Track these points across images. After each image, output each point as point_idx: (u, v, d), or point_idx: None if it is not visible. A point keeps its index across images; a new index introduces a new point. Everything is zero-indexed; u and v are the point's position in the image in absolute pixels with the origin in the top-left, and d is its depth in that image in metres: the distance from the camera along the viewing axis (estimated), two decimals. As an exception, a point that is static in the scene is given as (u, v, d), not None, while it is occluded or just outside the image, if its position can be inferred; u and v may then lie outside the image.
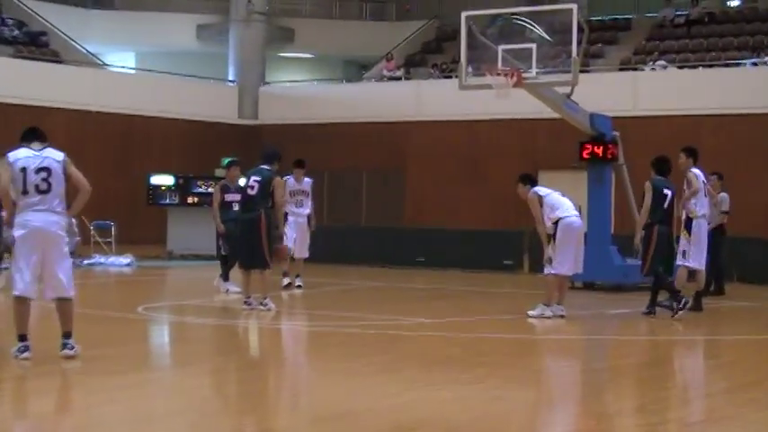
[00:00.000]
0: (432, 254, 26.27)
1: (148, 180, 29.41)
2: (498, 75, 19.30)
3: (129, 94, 34.91)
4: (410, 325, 15.08)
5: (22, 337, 11.10)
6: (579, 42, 19.96)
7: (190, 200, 28.81)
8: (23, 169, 10.97)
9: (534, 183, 16.17)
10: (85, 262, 25.72)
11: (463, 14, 20.42)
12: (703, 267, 16.97)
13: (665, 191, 16.41)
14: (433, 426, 8.52)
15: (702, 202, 16.86)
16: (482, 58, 20.20)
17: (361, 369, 11.13)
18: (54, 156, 11.14)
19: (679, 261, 16.85)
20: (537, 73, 19.62)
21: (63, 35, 36.61)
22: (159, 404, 9.48)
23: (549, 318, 15.60)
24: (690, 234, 16.72)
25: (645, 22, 37.49)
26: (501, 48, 19.78)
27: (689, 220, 16.75)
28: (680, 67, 32.70)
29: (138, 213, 32.09)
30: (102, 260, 26.29)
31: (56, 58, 35.39)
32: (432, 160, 34.12)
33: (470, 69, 20.24)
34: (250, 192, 16.31)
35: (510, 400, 9.78)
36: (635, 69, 33.15)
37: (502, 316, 16.63)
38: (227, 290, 18.73)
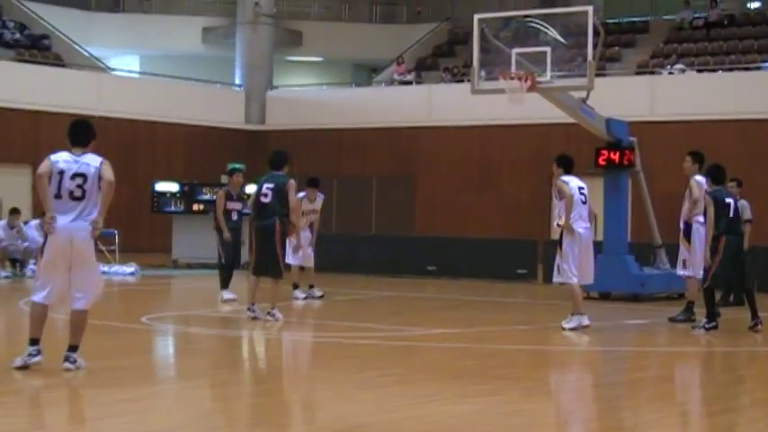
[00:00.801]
0: (443, 263, 25.99)
1: (153, 187, 29.28)
2: (512, 79, 19.15)
3: (134, 99, 34.77)
4: (423, 336, 15.10)
5: (33, 341, 10.95)
6: (595, 45, 19.78)
7: (195, 207, 28.61)
8: (61, 172, 10.75)
9: (569, 168, 15.79)
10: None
11: (476, 17, 20.22)
12: (699, 276, 16.70)
13: (727, 200, 15.87)
14: None
15: (702, 210, 16.44)
16: (495, 62, 20.08)
17: (373, 381, 11.00)
18: (92, 161, 10.84)
19: (680, 271, 16.84)
20: (551, 77, 19.41)
21: (66, 38, 36.53)
22: (164, 418, 9.30)
23: (586, 326, 15.38)
24: (689, 242, 16.59)
25: (663, 25, 37.25)
26: (514, 51, 19.59)
27: (688, 228, 16.61)
28: (699, 71, 32.42)
29: (142, 221, 32.02)
30: (106, 269, 26.05)
31: (58, 61, 35.22)
32: (443, 166, 33.97)
33: (483, 73, 20.13)
34: (264, 200, 16.07)
35: (527, 414, 9.68)
36: (652, 73, 32.92)
37: (517, 327, 16.59)
38: (223, 298, 18.66)
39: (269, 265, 15.95)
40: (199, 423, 9.02)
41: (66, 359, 10.89)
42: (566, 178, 15.66)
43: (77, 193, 10.72)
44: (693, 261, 16.55)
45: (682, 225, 16.72)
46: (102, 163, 10.81)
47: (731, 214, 15.78)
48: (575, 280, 15.52)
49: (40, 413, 9.12)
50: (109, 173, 10.78)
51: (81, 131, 11.02)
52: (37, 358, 10.84)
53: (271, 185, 16.06)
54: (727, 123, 29.60)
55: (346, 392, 10.11)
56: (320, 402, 9.82)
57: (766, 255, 22.98)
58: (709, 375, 12.89)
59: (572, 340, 15.00)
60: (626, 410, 10.07)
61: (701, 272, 16.44)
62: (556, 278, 15.79)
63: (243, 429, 8.99)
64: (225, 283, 18.84)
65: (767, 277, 22.38)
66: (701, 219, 16.37)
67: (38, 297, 10.96)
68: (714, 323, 15.53)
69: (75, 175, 10.72)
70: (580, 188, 15.64)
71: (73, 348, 11.00)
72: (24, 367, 10.72)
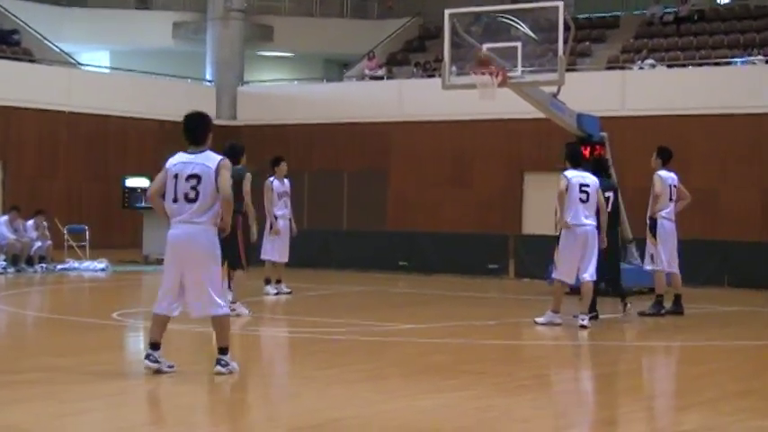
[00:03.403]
0: (415, 258, 25.95)
1: (123, 183, 29.21)
2: (483, 74, 19.09)
3: (104, 94, 34.53)
4: (394, 331, 15.05)
5: (153, 345, 10.62)
6: (566, 41, 19.83)
7: (166, 203, 28.31)
8: (176, 176, 10.33)
9: (576, 162, 15.62)
10: (59, 267, 25.59)
11: (447, 12, 20.23)
12: (675, 270, 17.01)
13: (606, 194, 16.06)
14: None
15: (667, 205, 16.83)
16: (466, 57, 20.08)
17: (343, 377, 10.94)
18: (207, 161, 10.38)
19: (648, 266, 17.05)
20: (522, 72, 19.47)
21: (36, 33, 36.26)
22: (135, 414, 9.30)
23: (558, 324, 15.37)
24: (655, 237, 16.81)
25: (633, 20, 37.30)
26: (485, 46, 19.57)
27: (653, 223, 16.81)
28: (669, 66, 32.46)
29: (112, 217, 31.92)
30: (77, 265, 26.20)
31: (28, 57, 34.92)
32: (415, 162, 33.96)
33: (454, 68, 20.17)
34: None
35: (497, 409, 9.64)
36: (623, 68, 32.91)
37: (488, 321, 16.44)
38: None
39: (229, 257, 15.65)
40: (170, 418, 9.00)
41: (218, 362, 10.50)
42: (568, 173, 15.36)
43: (191, 195, 10.29)
44: (659, 255, 16.74)
45: (648, 221, 16.91)
46: (220, 164, 10.32)
47: (609, 208, 16.04)
48: (571, 280, 15.48)
49: (10, 410, 9.01)
50: (226, 186, 10.28)
51: (194, 127, 10.59)
52: (153, 364, 10.52)
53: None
54: (698, 118, 29.63)
55: (318, 387, 10.06)
56: (292, 397, 9.77)
57: (737, 249, 23.12)
58: (679, 369, 12.91)
59: (543, 335, 15.00)
60: (596, 405, 10.07)
61: (667, 265, 16.76)
62: (554, 274, 15.70)
63: (215, 424, 8.94)
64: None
65: (737, 271, 22.52)
66: (664, 213, 16.69)
67: (157, 310, 10.60)
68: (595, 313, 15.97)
69: (189, 177, 10.28)
70: (582, 185, 15.30)
71: (222, 350, 10.55)
72: (159, 371, 10.52)
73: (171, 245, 10.42)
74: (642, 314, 16.77)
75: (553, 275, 15.80)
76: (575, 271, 15.42)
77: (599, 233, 15.44)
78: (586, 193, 15.31)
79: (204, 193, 10.28)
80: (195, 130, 10.54)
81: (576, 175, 15.34)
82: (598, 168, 16.81)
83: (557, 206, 15.53)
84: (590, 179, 15.44)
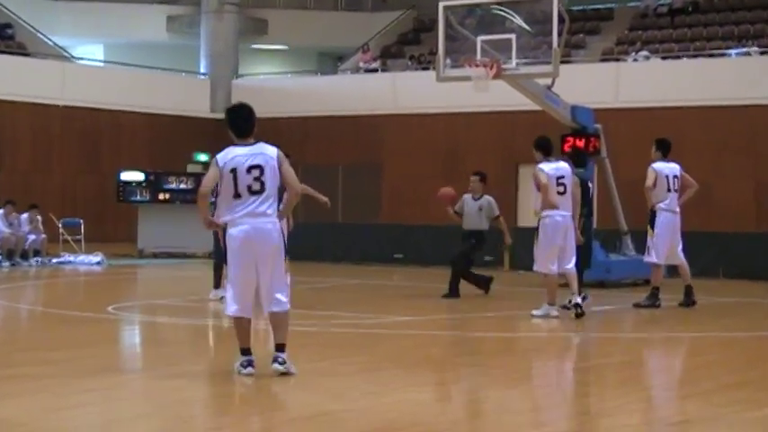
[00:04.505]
0: (410, 250, 26.02)
1: (118, 176, 29.23)
2: (477, 66, 19.21)
3: (98, 88, 34.48)
4: (389, 323, 15.06)
5: (245, 351, 10.22)
6: (560, 33, 19.77)
7: (161, 196, 28.57)
8: (233, 170, 9.87)
9: (547, 151, 15.66)
10: (54, 260, 25.60)
11: (441, 4, 20.22)
12: (677, 261, 17.08)
13: (590, 183, 16.88)
14: (411, 427, 8.37)
15: (665, 196, 16.79)
16: (460, 50, 20.20)
17: (338, 369, 10.94)
18: (266, 150, 9.99)
19: (646, 258, 17.09)
20: (517, 64, 19.49)
21: (29, 27, 36.16)
22: (130, 407, 9.25)
23: (555, 317, 15.37)
24: (653, 229, 16.86)
25: (627, 12, 37.27)
26: (480, 38, 19.64)
27: (653, 215, 16.85)
28: (663, 58, 32.44)
29: (107, 211, 31.91)
30: (72, 258, 26.30)
31: (22, 50, 34.84)
32: (409, 154, 33.93)
33: (448, 61, 20.21)
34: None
35: (492, 401, 9.67)
36: (617, 60, 32.89)
37: (482, 314, 16.57)
38: (222, 297, 17.82)
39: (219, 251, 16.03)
40: (164, 412, 8.95)
41: (275, 360, 10.08)
42: (542, 165, 15.46)
43: (256, 186, 9.87)
44: (655, 247, 16.79)
45: (649, 212, 16.93)
46: (280, 156, 9.96)
47: (589, 196, 16.45)
48: (553, 269, 15.51)
49: (5, 403, 9.00)
50: (295, 178, 10.02)
51: (244, 118, 10.13)
52: (249, 369, 10.09)
53: None
54: (692, 110, 29.60)
55: (311, 380, 10.04)
56: (285, 390, 9.75)
57: (733, 240, 23.16)
58: (674, 360, 12.91)
59: (538, 327, 15.01)
60: (591, 396, 10.07)
61: (665, 258, 16.78)
62: (534, 267, 15.74)
63: (208, 418, 8.92)
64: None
65: (733, 263, 22.57)
66: (663, 205, 16.71)
67: (232, 312, 10.19)
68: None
69: (250, 168, 9.87)
70: (558, 177, 15.40)
71: (280, 347, 10.15)
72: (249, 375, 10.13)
73: (241, 241, 9.94)
74: (637, 305, 16.80)
75: (534, 268, 15.75)
76: (554, 262, 15.48)
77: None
78: (563, 185, 15.46)
79: (269, 184, 9.90)
80: (246, 122, 10.09)
81: (551, 168, 15.46)
82: (576, 160, 16.99)
83: (537, 197, 15.56)
84: (564, 169, 15.57)
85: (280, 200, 10.25)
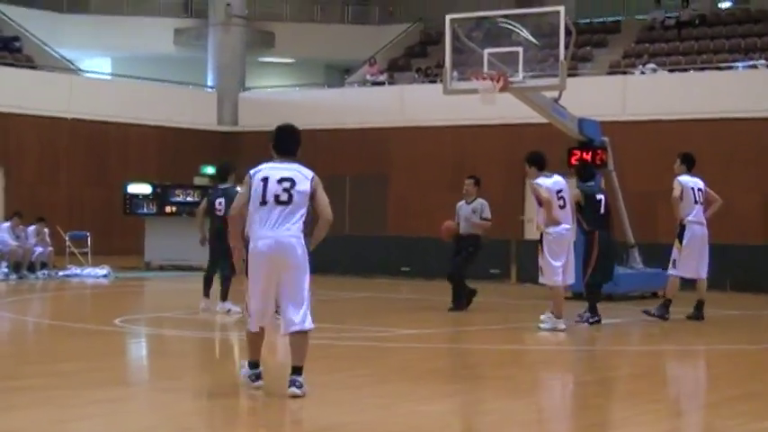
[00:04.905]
0: (417, 263, 25.92)
1: (125, 189, 29.13)
2: (484, 79, 19.13)
3: (105, 101, 34.51)
4: (396, 336, 15.08)
5: (253, 364, 10.08)
6: (567, 46, 19.80)
7: (168, 209, 28.50)
8: (265, 179, 9.79)
9: (541, 165, 15.80)
10: (61, 273, 25.59)
11: (448, 17, 20.21)
12: (701, 276, 17.00)
13: (598, 196, 16.47)
14: None
15: (692, 209, 16.71)
16: (467, 62, 20.07)
17: (346, 382, 11.00)
18: (302, 170, 9.87)
19: (670, 271, 16.94)
20: (524, 77, 19.37)
21: (37, 40, 36.18)
22: (136, 419, 9.27)
23: (562, 330, 15.38)
24: (681, 243, 16.71)
25: (634, 25, 37.28)
26: (487, 51, 19.55)
27: (682, 229, 16.75)
28: (670, 71, 32.42)
29: (114, 223, 31.84)
30: (78, 271, 26.23)
31: (29, 63, 34.87)
32: (416, 167, 33.91)
33: (455, 74, 20.10)
34: (219, 214, 17.01)
35: (498, 413, 9.68)
36: (624, 73, 32.91)
37: (489, 326, 16.60)
38: (229, 309, 17.77)
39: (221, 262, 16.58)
40: (172, 424, 8.96)
41: (292, 383, 9.72)
42: (540, 181, 15.60)
43: (284, 197, 9.70)
44: (682, 261, 16.71)
45: (678, 226, 16.84)
46: (315, 181, 9.79)
47: (601, 210, 16.29)
48: (559, 281, 15.56)
49: (12, 416, 9.00)
50: (326, 204, 9.79)
51: (288, 138, 10.12)
52: (258, 382, 10.00)
53: (221, 200, 16.93)
54: (699, 123, 29.54)
55: (319, 393, 10.03)
56: (294, 403, 9.73)
57: (739, 253, 23.10)
58: (679, 373, 12.90)
59: (545, 340, 15.01)
60: (597, 408, 10.06)
61: (694, 272, 16.81)
62: (540, 279, 15.83)
63: (215, 431, 8.92)
64: (227, 295, 17.84)
65: (739, 275, 22.51)
66: (691, 217, 16.67)
67: (251, 327, 10.00)
68: (597, 317, 16.11)
69: (282, 180, 9.74)
70: (558, 191, 15.57)
71: (297, 370, 9.78)
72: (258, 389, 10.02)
73: (262, 255, 9.74)
74: (647, 312, 16.79)
75: (540, 280, 15.86)
76: (560, 274, 15.58)
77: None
78: (563, 198, 15.62)
79: (296, 198, 9.72)
80: (288, 141, 10.07)
81: (550, 183, 15.63)
82: (583, 174, 16.99)
83: (539, 212, 15.69)
84: (562, 183, 15.75)
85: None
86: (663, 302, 16.85)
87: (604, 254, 16.27)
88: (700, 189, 16.93)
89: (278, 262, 9.72)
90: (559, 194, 15.56)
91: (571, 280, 15.97)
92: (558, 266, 15.51)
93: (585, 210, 16.20)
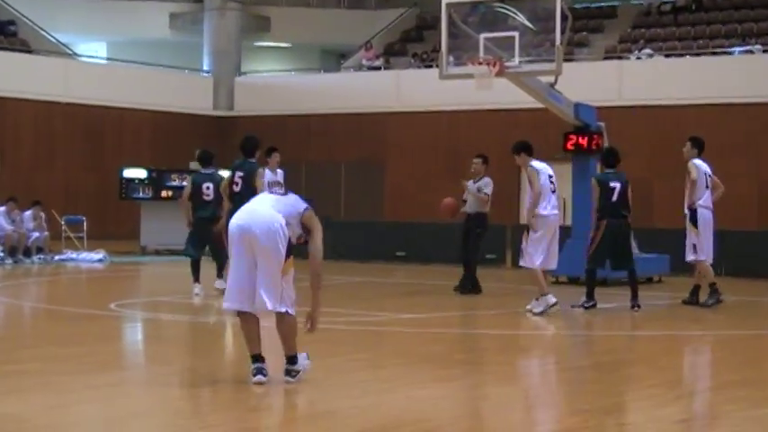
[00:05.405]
0: (412, 248, 25.96)
1: (121, 173, 29.17)
2: (480, 64, 19.13)
3: (101, 85, 34.48)
4: (391, 321, 15.14)
5: (255, 358, 9.67)
6: (563, 30, 19.71)
7: (163, 194, 28.54)
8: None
9: (531, 152, 16.02)
10: (57, 258, 25.60)
11: (444, 2, 20.15)
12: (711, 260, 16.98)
13: (612, 184, 16.35)
14: (415, 424, 8.42)
15: (703, 193, 16.73)
16: (463, 47, 20.12)
17: (340, 366, 10.98)
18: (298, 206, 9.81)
19: (690, 257, 16.86)
20: (520, 62, 19.45)
21: (32, 24, 36.11)
22: (132, 404, 9.27)
23: (555, 304, 15.44)
24: (696, 227, 16.66)
25: (630, 10, 37.24)
26: (483, 36, 19.58)
27: (693, 213, 16.70)
28: (666, 56, 32.43)
29: (110, 208, 31.89)
30: (74, 256, 26.26)
31: (25, 47, 34.79)
32: (412, 152, 33.92)
33: (451, 58, 20.12)
34: (235, 188, 16.57)
35: (493, 398, 9.75)
36: (620, 58, 32.84)
37: (484, 311, 16.64)
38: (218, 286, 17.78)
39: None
40: (166, 408, 8.99)
41: (287, 372, 9.64)
42: (536, 165, 15.75)
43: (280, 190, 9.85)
44: (702, 245, 16.65)
45: (687, 211, 16.78)
46: (306, 209, 9.72)
47: (614, 198, 16.21)
48: (537, 263, 15.62)
49: (7, 400, 9.01)
50: (318, 234, 9.80)
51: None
52: (258, 377, 9.56)
53: (241, 173, 16.56)
54: (695, 108, 29.59)
55: (315, 377, 10.02)
56: (289, 388, 9.73)
57: (736, 239, 23.10)
58: (676, 359, 12.89)
59: (540, 325, 15.04)
60: (594, 394, 10.06)
61: (709, 254, 16.74)
62: (521, 262, 16.00)
63: (210, 415, 8.92)
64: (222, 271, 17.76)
65: (735, 261, 22.51)
66: (702, 201, 16.65)
67: (226, 303, 9.71)
68: (593, 302, 16.15)
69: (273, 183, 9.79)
70: (549, 176, 15.80)
71: (288, 360, 9.68)
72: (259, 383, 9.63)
73: (238, 229, 9.64)
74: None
75: (520, 263, 16.03)
76: (540, 258, 15.66)
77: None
78: (553, 184, 15.84)
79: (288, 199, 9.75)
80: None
81: (542, 167, 15.82)
82: (608, 160, 16.83)
83: (531, 197, 15.82)
84: (551, 168, 16.02)
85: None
86: (711, 289, 16.68)
87: (612, 241, 16.20)
88: (709, 174, 16.94)
89: (253, 238, 9.43)
90: (551, 179, 15.84)
91: (553, 266, 16.07)
92: (540, 250, 15.63)
93: (600, 197, 16.16)
